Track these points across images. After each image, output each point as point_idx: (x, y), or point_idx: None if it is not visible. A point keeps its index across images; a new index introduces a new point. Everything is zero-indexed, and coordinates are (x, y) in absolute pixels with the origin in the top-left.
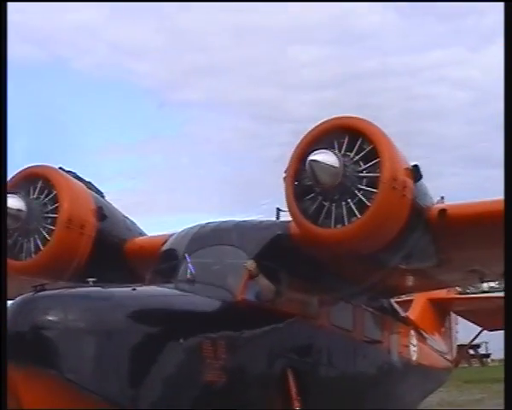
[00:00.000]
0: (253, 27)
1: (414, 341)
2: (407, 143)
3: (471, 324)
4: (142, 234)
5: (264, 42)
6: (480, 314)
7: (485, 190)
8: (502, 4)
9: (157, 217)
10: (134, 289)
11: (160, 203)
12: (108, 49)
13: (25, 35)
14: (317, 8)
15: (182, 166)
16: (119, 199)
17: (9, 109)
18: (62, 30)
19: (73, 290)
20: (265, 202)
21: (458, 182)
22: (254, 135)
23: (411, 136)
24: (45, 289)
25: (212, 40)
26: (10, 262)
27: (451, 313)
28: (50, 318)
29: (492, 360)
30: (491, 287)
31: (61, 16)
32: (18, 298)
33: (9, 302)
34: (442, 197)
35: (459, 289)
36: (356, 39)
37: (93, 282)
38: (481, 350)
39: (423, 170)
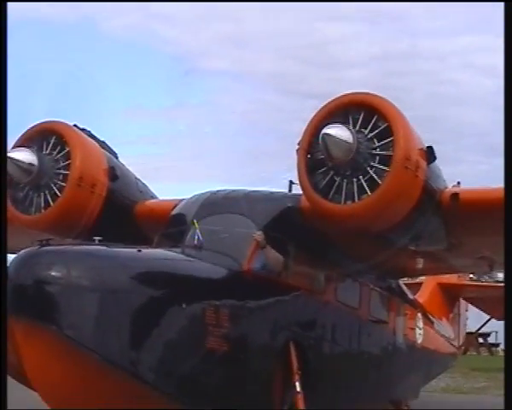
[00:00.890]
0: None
1: (420, 324)
2: (430, 127)
3: (481, 311)
4: (153, 197)
5: (293, 15)
6: (489, 302)
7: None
8: None
9: (177, 183)
10: (139, 251)
11: (181, 170)
12: (138, 12)
13: None
14: None
15: (205, 135)
16: (141, 163)
17: (33, 67)
18: None
19: (78, 247)
20: (286, 176)
21: (480, 170)
22: (278, 108)
23: (435, 120)
24: (50, 245)
25: (242, 11)
26: (20, 216)
27: (461, 299)
28: (53, 273)
29: (502, 350)
30: None
31: None
32: (22, 251)
33: (13, 256)
34: (458, 183)
35: (472, 276)
36: (385, 19)
37: (99, 241)
38: (491, 339)
39: (444, 155)
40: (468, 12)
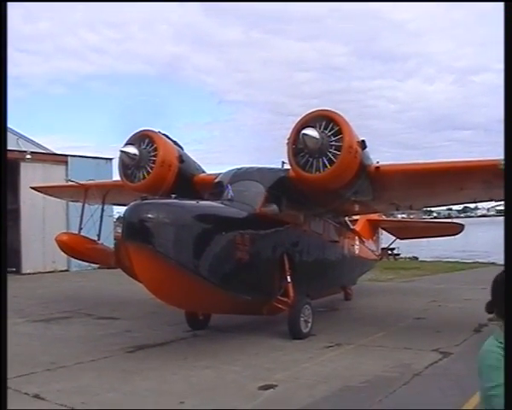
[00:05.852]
0: (274, 60)
1: (357, 243)
2: (359, 132)
3: (390, 235)
4: (204, 172)
5: (280, 69)
6: (395, 229)
7: (403, 161)
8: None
9: (213, 166)
10: (197, 202)
11: (216, 159)
12: (193, 69)
13: (140, 58)
14: (311, 50)
15: (229, 138)
16: (193, 155)
17: (134, 102)
18: (161, 57)
19: (163, 200)
20: (279, 160)
21: (388, 157)
22: (271, 122)
23: (362, 128)
24: (147, 199)
25: (250, 68)
26: (128, 184)
27: (379, 228)
28: (149, 215)
29: (401, 258)
30: (435, 216)
31: (161, 47)
32: (131, 203)
33: (125, 206)
34: (378, 162)
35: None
36: (333, 70)
37: (174, 196)
38: (395, 251)
39: (368, 148)
40: (380, 65)
